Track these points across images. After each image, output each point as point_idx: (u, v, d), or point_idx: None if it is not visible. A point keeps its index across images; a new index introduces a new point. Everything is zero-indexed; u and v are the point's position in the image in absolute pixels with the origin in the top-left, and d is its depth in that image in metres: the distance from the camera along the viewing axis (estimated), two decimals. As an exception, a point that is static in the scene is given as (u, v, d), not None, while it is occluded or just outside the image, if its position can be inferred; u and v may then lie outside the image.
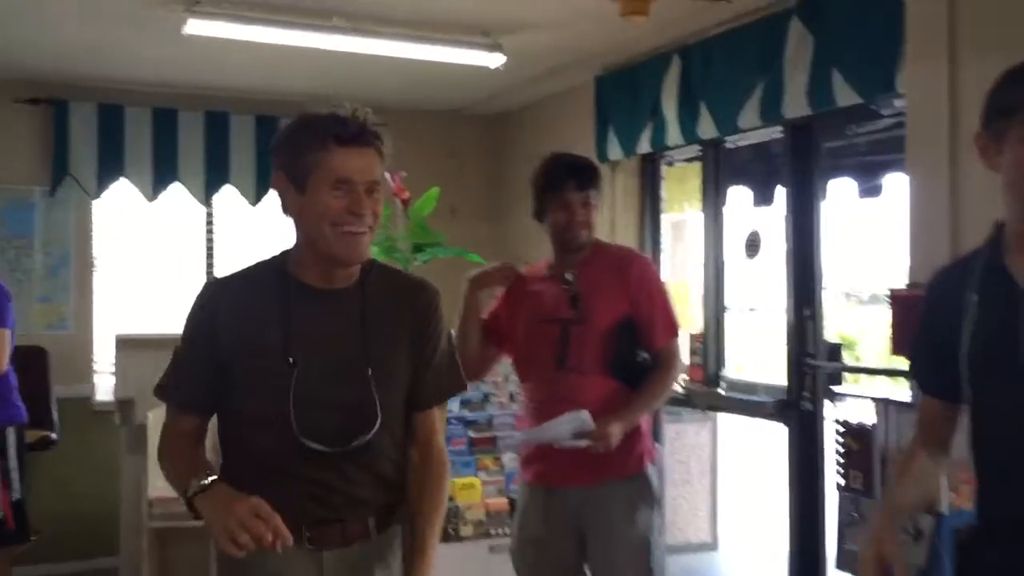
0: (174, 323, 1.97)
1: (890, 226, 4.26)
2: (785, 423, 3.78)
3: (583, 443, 2.57)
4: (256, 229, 5.42)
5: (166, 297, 5.50)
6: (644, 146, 4.41)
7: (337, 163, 1.72)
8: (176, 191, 5.15)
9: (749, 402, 4.01)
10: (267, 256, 1.90)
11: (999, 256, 1.74)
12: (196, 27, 3.55)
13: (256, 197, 5.25)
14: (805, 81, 3.43)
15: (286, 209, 1.79)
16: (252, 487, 1.64)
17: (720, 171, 4.39)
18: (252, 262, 1.91)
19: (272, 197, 5.15)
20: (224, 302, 1.81)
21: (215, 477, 1.71)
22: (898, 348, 2.81)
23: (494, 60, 4.14)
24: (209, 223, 5.39)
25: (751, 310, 6.43)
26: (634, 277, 2.77)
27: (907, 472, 1.92)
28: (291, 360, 1.75)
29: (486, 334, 2.86)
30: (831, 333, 4.35)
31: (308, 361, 1.76)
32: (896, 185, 3.93)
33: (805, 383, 3.75)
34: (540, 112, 5.30)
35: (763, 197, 4.33)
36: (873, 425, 2.82)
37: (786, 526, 3.77)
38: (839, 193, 4.36)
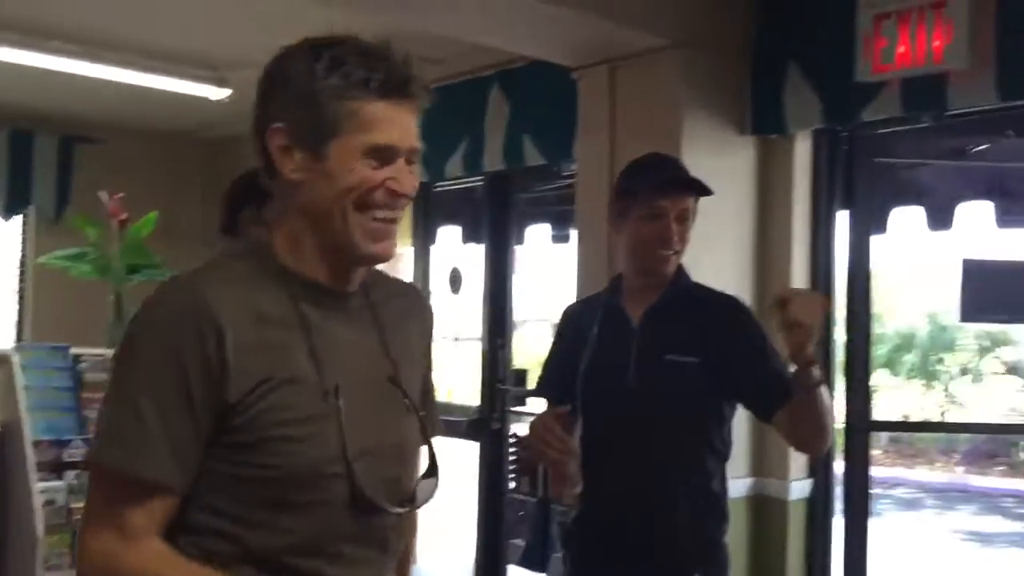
0: None
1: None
2: (476, 440, 4.25)
3: None
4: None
5: None
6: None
7: (378, 121, 1.21)
8: None
9: (446, 422, 4.42)
10: (226, 251, 1.33)
11: (619, 300, 2.27)
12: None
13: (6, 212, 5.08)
14: (501, 141, 3.93)
15: (279, 173, 1.23)
16: None
17: (430, 211, 4.82)
18: (209, 260, 1.32)
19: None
20: (224, 314, 1.18)
21: None
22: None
23: (219, 93, 4.33)
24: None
25: (456, 339, 6.96)
26: None
27: None
28: (329, 392, 1.21)
29: None
30: (527, 361, 4.89)
31: (347, 391, 1.23)
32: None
33: (496, 405, 4.25)
34: (264, 142, 5.49)
35: (472, 236, 4.81)
36: (540, 438, 3.30)
37: (474, 532, 4.22)
38: (537, 238, 4.95)
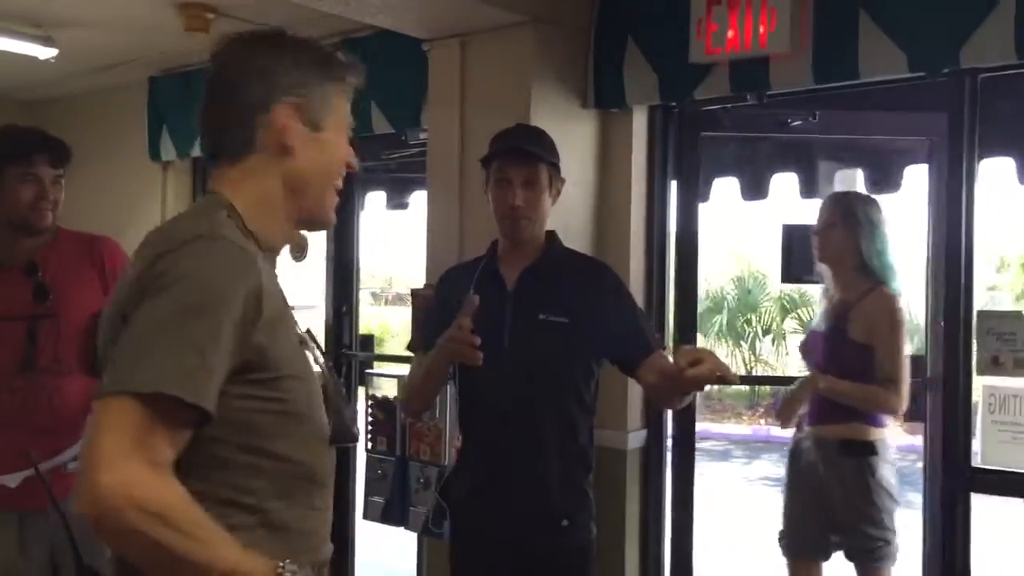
0: None
1: (415, 235, 4.97)
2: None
3: None
4: None
5: None
6: (198, 149, 4.64)
7: (348, 107, 1.49)
8: None
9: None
10: (208, 207, 1.39)
11: (495, 264, 2.40)
12: None
13: None
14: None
15: (260, 142, 1.40)
16: None
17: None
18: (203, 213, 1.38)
19: None
20: (258, 263, 1.35)
21: None
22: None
23: (45, 53, 4.12)
24: None
25: (303, 308, 6.94)
26: (108, 261, 2.56)
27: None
28: (304, 339, 1.45)
29: None
30: (363, 328, 4.95)
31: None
32: (421, 201, 4.63)
33: (342, 371, 4.30)
34: (92, 103, 5.24)
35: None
36: (395, 398, 3.41)
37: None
38: (374, 205, 5.00)
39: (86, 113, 5.26)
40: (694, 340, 3.56)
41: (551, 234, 2.44)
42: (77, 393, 2.42)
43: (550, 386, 2.31)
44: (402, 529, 3.25)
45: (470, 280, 2.39)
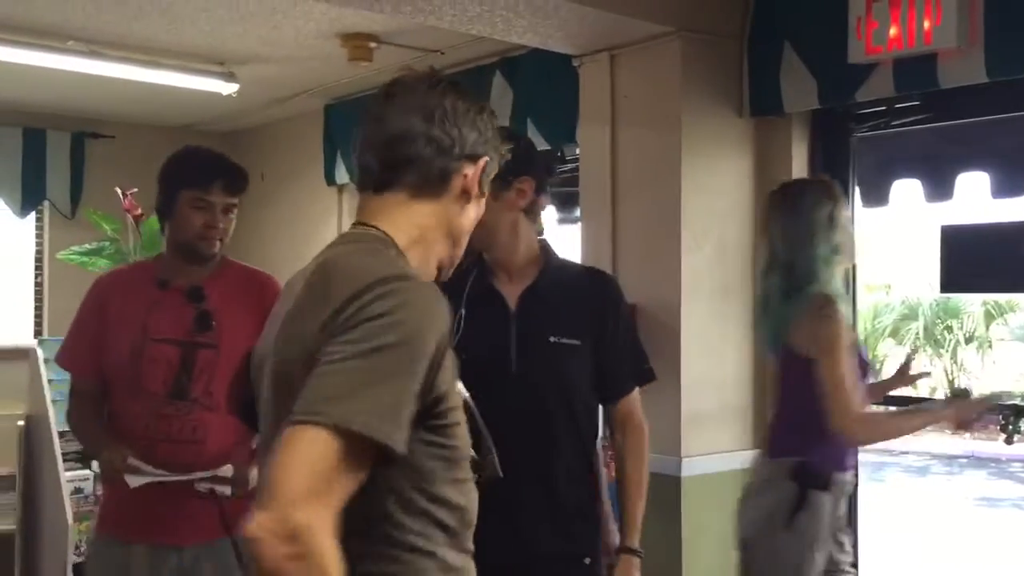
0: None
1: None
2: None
3: (226, 490, 2.21)
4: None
5: None
6: (368, 171, 4.81)
7: None
8: None
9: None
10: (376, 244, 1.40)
11: (488, 278, 2.08)
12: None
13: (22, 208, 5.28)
14: (506, 126, 4.01)
15: (464, 193, 1.44)
16: None
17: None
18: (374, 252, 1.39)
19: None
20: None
21: None
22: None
23: (228, 88, 4.41)
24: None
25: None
26: (271, 303, 2.31)
27: None
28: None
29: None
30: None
31: None
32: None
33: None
34: (273, 133, 5.58)
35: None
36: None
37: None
38: (545, 220, 5.03)
39: (272, 142, 5.59)
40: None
41: (544, 245, 2.14)
42: (222, 432, 2.28)
43: (566, 415, 2.06)
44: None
45: (460, 296, 2.05)
